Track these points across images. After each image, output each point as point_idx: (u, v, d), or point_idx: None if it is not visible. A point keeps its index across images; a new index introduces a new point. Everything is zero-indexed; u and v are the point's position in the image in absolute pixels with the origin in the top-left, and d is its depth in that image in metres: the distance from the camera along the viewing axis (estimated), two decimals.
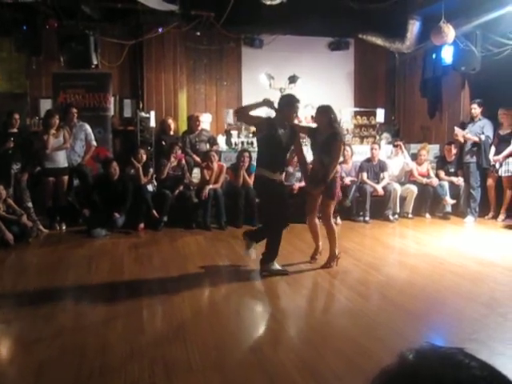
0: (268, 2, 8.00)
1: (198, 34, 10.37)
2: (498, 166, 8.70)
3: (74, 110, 8.51)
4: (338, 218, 8.70)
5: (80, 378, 3.28)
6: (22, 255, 6.72)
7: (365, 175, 9.06)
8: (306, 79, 10.50)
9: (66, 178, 8.17)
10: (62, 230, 8.04)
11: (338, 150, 5.74)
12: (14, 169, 7.78)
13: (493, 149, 8.77)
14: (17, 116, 8.01)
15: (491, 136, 8.74)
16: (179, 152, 8.73)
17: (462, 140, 8.97)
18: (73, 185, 8.50)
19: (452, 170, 9.33)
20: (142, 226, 8.05)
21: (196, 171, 9.04)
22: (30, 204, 7.75)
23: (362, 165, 9.19)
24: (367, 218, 8.79)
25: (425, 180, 9.19)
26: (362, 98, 11.86)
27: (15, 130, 8.00)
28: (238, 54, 11.33)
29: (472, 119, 9.02)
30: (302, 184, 8.69)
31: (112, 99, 9.94)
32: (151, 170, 8.54)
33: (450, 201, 9.05)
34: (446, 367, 0.78)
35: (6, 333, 4.20)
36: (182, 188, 8.52)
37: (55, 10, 8.79)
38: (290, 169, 8.62)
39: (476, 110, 8.83)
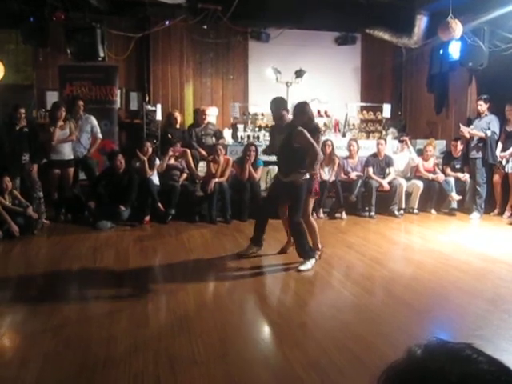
0: None
1: (205, 27, 10.31)
2: (504, 162, 8.67)
3: (81, 103, 8.52)
4: (344, 212, 8.71)
5: (84, 370, 3.29)
6: (27, 247, 6.75)
7: (371, 170, 9.05)
8: (313, 73, 10.48)
9: (71, 170, 8.20)
10: (68, 222, 8.06)
11: None
12: (22, 159, 7.78)
13: (500, 145, 8.74)
14: (22, 110, 7.81)
15: (497, 132, 8.70)
16: (178, 147, 8.75)
17: (468, 136, 8.94)
18: (78, 177, 8.52)
19: (458, 165, 9.30)
20: (147, 218, 8.05)
21: (202, 165, 9.04)
22: (41, 194, 7.72)
23: (368, 160, 9.18)
24: (372, 213, 8.78)
25: (431, 176, 9.16)
26: (369, 92, 11.83)
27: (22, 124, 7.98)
28: (245, 47, 11.29)
29: (478, 115, 8.99)
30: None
31: (118, 92, 9.94)
32: (157, 163, 8.54)
33: (455, 197, 9.02)
34: (453, 362, 0.78)
35: (11, 324, 4.23)
36: (184, 178, 8.57)
37: (62, 1, 8.77)
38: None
39: (482, 106, 8.79)
